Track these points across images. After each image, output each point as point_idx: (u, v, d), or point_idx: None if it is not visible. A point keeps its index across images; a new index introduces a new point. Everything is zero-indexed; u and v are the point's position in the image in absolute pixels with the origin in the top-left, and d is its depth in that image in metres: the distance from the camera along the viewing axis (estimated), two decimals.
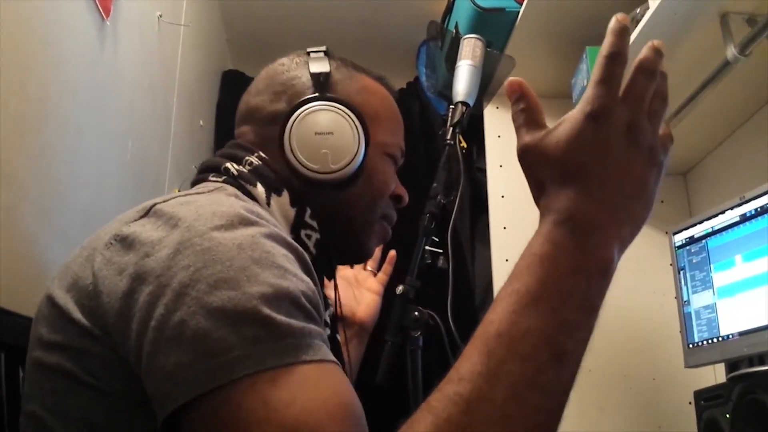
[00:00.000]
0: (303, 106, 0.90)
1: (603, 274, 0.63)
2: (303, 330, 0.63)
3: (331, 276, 0.97)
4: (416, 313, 1.34)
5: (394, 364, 1.28)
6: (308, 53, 0.98)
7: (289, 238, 0.72)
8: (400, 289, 1.37)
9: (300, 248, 0.72)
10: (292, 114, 0.90)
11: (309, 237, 0.89)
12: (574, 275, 0.61)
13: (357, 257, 1.01)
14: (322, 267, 0.91)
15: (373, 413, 0.95)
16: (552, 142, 0.62)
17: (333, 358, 0.64)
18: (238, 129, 0.96)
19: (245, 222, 0.68)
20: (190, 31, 1.93)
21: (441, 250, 1.44)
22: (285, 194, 0.88)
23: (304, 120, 0.89)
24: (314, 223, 0.89)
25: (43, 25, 1.03)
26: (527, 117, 0.65)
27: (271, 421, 0.57)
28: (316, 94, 0.91)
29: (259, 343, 0.60)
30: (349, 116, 0.91)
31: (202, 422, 0.59)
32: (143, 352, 0.63)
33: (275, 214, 0.86)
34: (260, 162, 0.89)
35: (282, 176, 0.89)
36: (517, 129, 0.66)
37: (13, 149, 0.95)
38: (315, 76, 0.93)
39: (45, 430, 0.70)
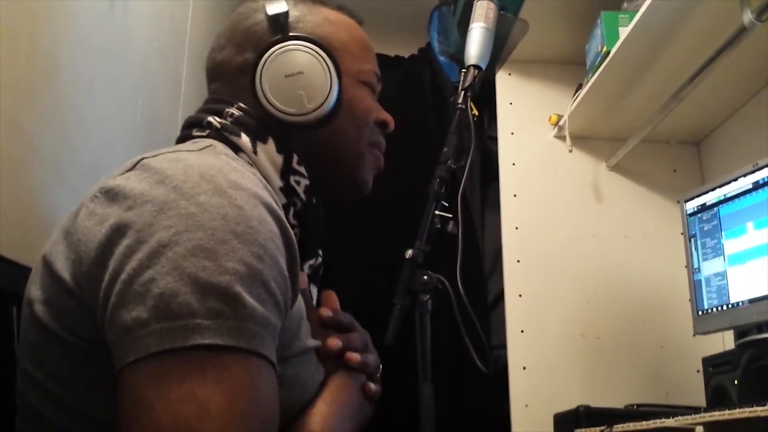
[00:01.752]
0: (267, 51, 0.88)
1: None
2: (264, 320, 0.63)
3: (325, 217, 0.95)
4: (425, 277, 1.34)
5: (402, 327, 1.28)
6: None
7: (278, 209, 0.71)
8: (409, 253, 1.37)
9: (284, 221, 0.71)
10: (259, 61, 0.87)
11: (298, 183, 0.87)
12: None
13: (355, 191, 0.98)
14: (313, 212, 0.90)
15: (383, 375, 0.96)
16: None
17: (274, 359, 0.65)
18: (210, 87, 0.94)
19: (234, 187, 0.67)
20: None
21: (451, 215, 1.44)
22: (270, 141, 0.86)
23: (271, 65, 0.87)
24: (302, 169, 0.88)
25: None
26: None
27: (184, 402, 0.58)
28: (279, 36, 0.89)
29: (221, 318, 0.60)
30: (316, 52, 0.88)
31: (143, 381, 0.59)
32: (109, 303, 0.63)
33: (263, 162, 0.85)
34: (241, 112, 0.87)
35: (264, 123, 0.87)
36: None
37: (24, 102, 0.94)
38: (273, 18, 0.90)
39: (33, 386, 0.71)
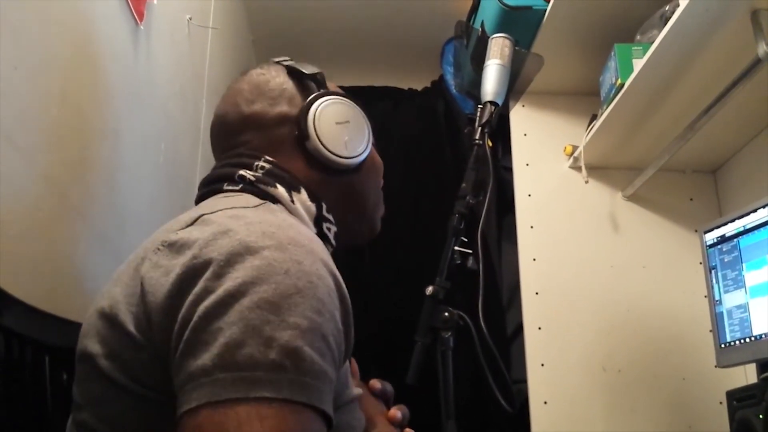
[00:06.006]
0: (317, 100, 0.93)
1: None
2: (323, 374, 0.65)
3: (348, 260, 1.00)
4: (446, 313, 1.34)
5: (424, 364, 1.28)
6: (278, 62, 1.00)
7: (332, 264, 0.74)
8: (429, 289, 1.38)
9: (338, 275, 0.74)
10: (310, 108, 0.92)
11: (329, 230, 0.92)
12: None
13: (370, 235, 1.05)
14: (339, 257, 0.92)
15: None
16: None
17: (331, 412, 0.66)
18: (239, 138, 0.95)
19: (294, 243, 0.70)
20: (218, 33, 1.94)
21: (470, 251, 1.44)
22: (303, 191, 0.90)
23: (323, 112, 0.92)
24: (331, 216, 0.92)
25: (82, 32, 1.05)
26: None
27: None
28: (322, 91, 0.95)
29: (282, 371, 0.62)
30: (356, 105, 0.97)
31: (201, 427, 0.60)
32: (178, 350, 0.64)
33: (300, 211, 0.88)
34: (270, 165, 0.90)
35: (294, 175, 0.91)
36: None
37: (55, 155, 0.96)
38: (309, 76, 0.96)
39: None
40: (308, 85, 0.96)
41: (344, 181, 0.94)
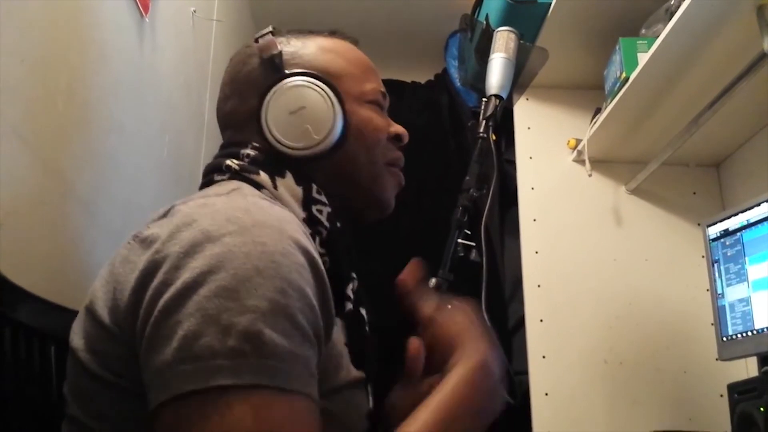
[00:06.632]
0: (267, 93, 0.90)
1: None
2: (290, 354, 0.63)
3: (351, 243, 0.96)
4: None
5: None
6: (256, 40, 0.96)
7: (305, 241, 0.72)
8: (432, 282, 1.38)
9: (312, 252, 0.72)
10: (261, 105, 0.90)
11: (320, 212, 0.88)
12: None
13: (377, 211, 0.99)
14: (341, 238, 0.91)
15: None
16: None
17: (310, 390, 0.65)
18: (224, 135, 0.97)
19: (259, 225, 0.69)
20: (222, 26, 1.94)
21: (473, 243, 1.45)
22: (288, 175, 0.88)
23: (274, 106, 0.89)
24: (322, 197, 0.89)
25: (88, 25, 1.05)
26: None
27: None
28: (276, 77, 0.91)
29: (241, 357, 0.61)
30: (314, 84, 0.90)
31: (170, 422, 0.61)
32: (142, 346, 0.65)
33: (284, 195, 0.86)
34: (255, 152, 0.89)
35: (280, 159, 0.89)
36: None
37: (61, 148, 0.97)
38: (268, 60, 0.92)
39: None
40: (276, 67, 0.92)
41: (327, 165, 0.91)
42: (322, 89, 0.90)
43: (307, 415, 0.64)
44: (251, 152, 0.89)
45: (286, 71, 0.91)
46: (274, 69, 0.92)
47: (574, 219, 2.12)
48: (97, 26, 1.08)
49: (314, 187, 0.89)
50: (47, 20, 0.92)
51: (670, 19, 1.49)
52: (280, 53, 0.93)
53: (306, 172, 0.89)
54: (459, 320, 0.86)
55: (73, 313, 0.92)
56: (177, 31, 1.53)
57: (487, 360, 0.81)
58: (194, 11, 1.64)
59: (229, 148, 0.92)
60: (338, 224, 0.90)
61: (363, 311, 0.93)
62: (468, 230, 1.45)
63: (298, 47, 0.95)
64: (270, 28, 0.95)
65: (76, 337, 0.74)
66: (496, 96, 1.55)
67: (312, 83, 0.90)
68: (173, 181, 1.48)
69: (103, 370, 0.70)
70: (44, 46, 0.92)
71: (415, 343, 0.86)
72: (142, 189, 1.29)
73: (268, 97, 0.89)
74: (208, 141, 1.79)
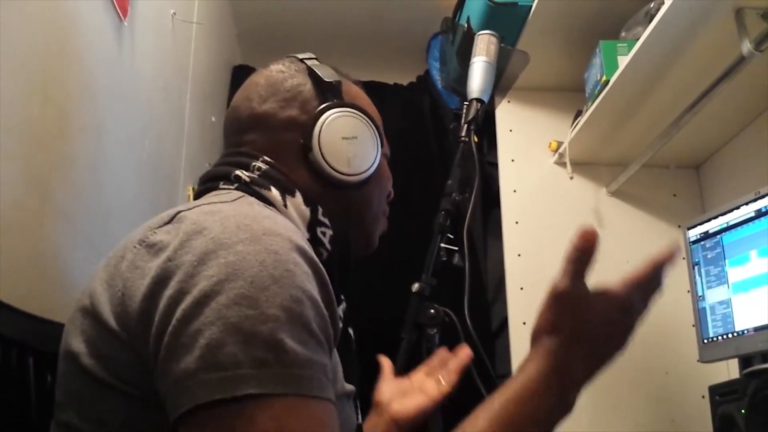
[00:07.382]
0: (326, 111, 0.92)
1: (564, 415, 0.77)
2: (309, 362, 0.65)
3: (348, 268, 0.97)
4: (432, 310, 1.34)
5: (410, 361, 1.28)
6: (301, 60, 0.99)
7: (310, 250, 0.73)
8: (415, 286, 1.38)
9: (317, 262, 0.73)
10: (318, 119, 0.91)
11: (324, 234, 0.90)
12: (547, 414, 0.76)
13: (366, 248, 1.03)
14: (336, 261, 0.92)
15: None
16: (591, 310, 0.76)
17: (330, 395, 0.66)
18: (245, 136, 0.95)
19: (268, 233, 0.69)
20: (202, 28, 1.93)
21: (456, 248, 1.45)
22: (298, 195, 0.89)
23: (331, 125, 0.91)
24: (326, 220, 0.91)
25: (65, 27, 1.03)
26: (580, 268, 0.76)
27: None
28: (335, 101, 0.94)
29: (265, 367, 0.62)
30: (368, 121, 0.95)
31: (195, 431, 0.61)
32: (159, 355, 0.64)
33: (292, 214, 0.87)
34: (268, 166, 0.89)
35: (291, 178, 0.90)
36: (567, 272, 0.76)
37: (38, 153, 0.95)
38: (326, 84, 0.95)
39: None
40: (324, 92, 0.95)
41: (345, 195, 0.94)
42: (375, 130, 0.96)
43: (330, 420, 0.66)
44: (262, 165, 0.89)
45: (345, 100, 0.96)
46: (334, 93, 0.95)
47: (556, 221, 2.12)
48: (74, 29, 1.06)
49: (320, 209, 0.91)
50: (22, 23, 0.91)
51: (649, 22, 1.50)
52: (341, 82, 0.96)
53: (314, 197, 0.91)
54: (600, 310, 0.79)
55: (52, 323, 0.90)
56: (156, 34, 1.51)
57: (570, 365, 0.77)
58: (174, 14, 1.63)
59: (238, 157, 0.92)
60: (336, 248, 0.92)
61: (351, 331, 0.97)
62: (451, 234, 1.45)
63: (345, 84, 0.99)
64: (313, 55, 1.01)
65: (75, 341, 0.73)
66: (478, 100, 1.55)
67: (366, 119, 0.95)
68: (153, 185, 1.46)
69: (109, 375, 0.69)
70: (19, 49, 0.90)
71: (385, 361, 0.91)
72: (122, 194, 1.27)
73: (325, 116, 0.92)
74: (189, 145, 1.77)
